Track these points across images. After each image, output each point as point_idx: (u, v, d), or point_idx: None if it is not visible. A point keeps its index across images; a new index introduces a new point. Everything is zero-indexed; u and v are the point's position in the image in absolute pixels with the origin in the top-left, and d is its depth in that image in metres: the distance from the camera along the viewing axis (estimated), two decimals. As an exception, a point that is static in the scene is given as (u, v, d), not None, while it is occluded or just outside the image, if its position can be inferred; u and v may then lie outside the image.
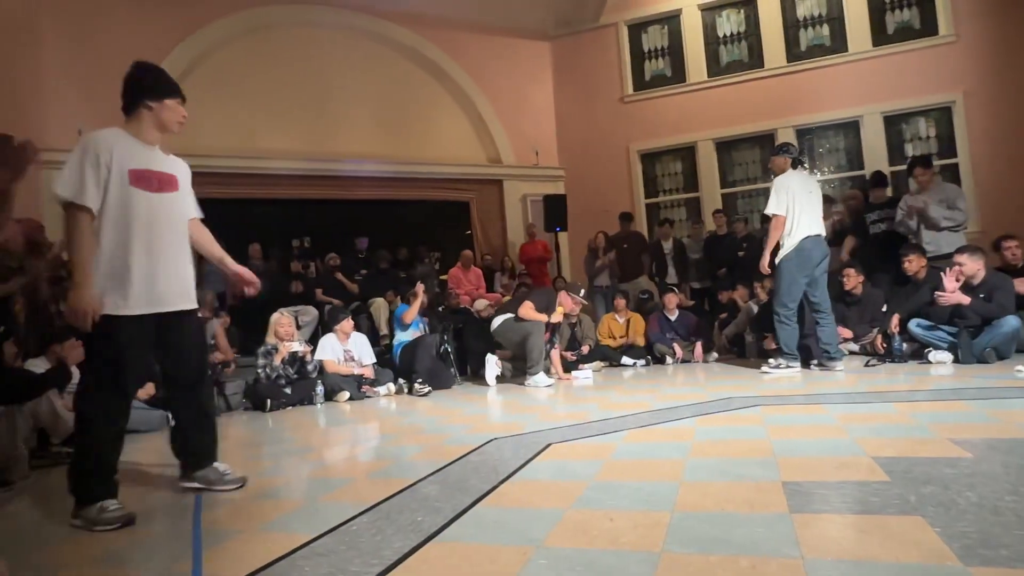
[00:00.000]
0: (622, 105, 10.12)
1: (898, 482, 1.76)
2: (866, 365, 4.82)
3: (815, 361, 4.94)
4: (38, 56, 7.23)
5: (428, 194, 9.91)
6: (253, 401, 5.39)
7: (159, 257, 2.29)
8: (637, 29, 10.19)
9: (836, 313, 5.91)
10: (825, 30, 9.32)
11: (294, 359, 5.44)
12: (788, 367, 4.75)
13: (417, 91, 9.74)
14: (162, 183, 2.37)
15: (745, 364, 5.85)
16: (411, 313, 5.99)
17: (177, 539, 1.88)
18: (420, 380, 5.50)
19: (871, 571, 1.22)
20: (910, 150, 8.75)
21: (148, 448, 3.80)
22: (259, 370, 5.38)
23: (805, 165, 5.25)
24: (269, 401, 5.15)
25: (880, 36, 9.00)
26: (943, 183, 6.12)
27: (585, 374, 5.81)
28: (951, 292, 4.61)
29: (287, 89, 8.83)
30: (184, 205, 2.50)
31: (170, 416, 4.52)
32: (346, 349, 5.78)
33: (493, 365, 5.91)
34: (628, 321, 7.07)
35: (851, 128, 9.13)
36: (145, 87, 2.40)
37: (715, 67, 9.80)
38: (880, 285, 5.91)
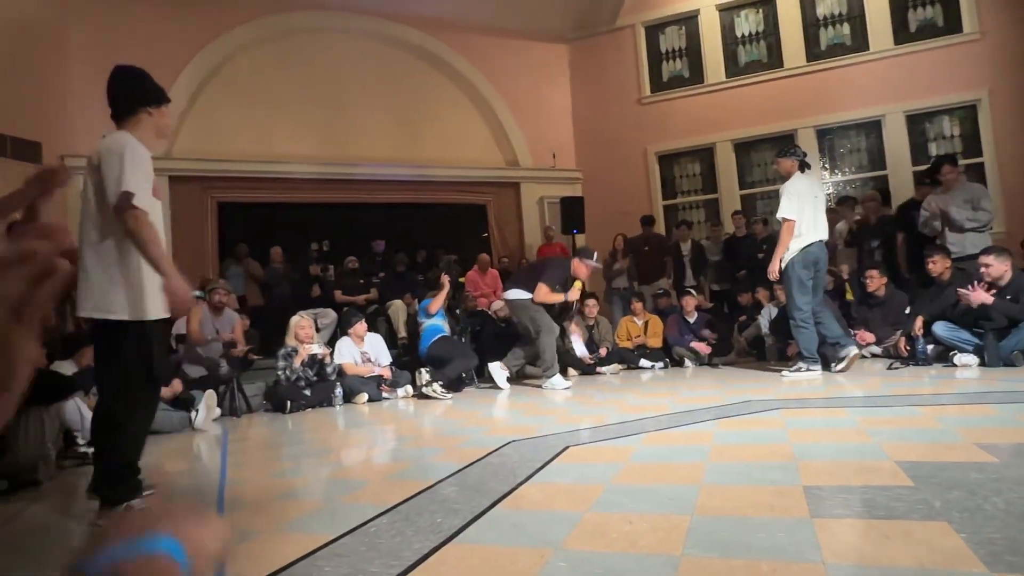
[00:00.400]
0: (639, 107, 10.09)
1: (922, 487, 1.73)
2: (889, 368, 4.75)
3: (835, 365, 4.89)
4: (64, 65, 7.39)
5: (445, 197, 9.95)
6: (273, 403, 5.45)
7: None
8: (654, 30, 10.15)
9: (859, 315, 5.87)
10: (846, 29, 9.20)
11: (313, 361, 5.49)
12: (808, 371, 4.70)
13: (434, 94, 9.79)
14: (156, 190, 2.39)
15: (765, 367, 5.79)
16: (437, 302, 5.96)
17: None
18: (442, 384, 5.43)
19: (895, 577, 1.21)
20: (934, 149, 8.60)
21: (169, 449, 3.86)
22: (279, 372, 5.44)
23: (811, 167, 5.21)
24: (289, 403, 5.20)
25: (902, 34, 8.87)
26: (968, 182, 6.02)
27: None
28: (975, 291, 4.53)
29: (306, 94, 8.93)
30: None
31: (192, 417, 4.64)
32: (362, 351, 5.83)
33: (499, 371, 5.69)
34: (646, 323, 7.04)
35: (873, 128, 9.00)
36: (144, 93, 2.40)
37: (733, 67, 9.72)
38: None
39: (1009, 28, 8.23)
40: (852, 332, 5.75)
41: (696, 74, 9.89)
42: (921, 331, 4.83)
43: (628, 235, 8.33)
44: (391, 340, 6.93)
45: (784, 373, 4.81)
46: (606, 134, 10.16)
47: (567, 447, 2.72)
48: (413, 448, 3.22)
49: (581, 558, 1.44)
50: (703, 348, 6.60)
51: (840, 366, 4.76)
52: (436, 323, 5.91)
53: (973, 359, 4.48)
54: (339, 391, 5.43)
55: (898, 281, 5.92)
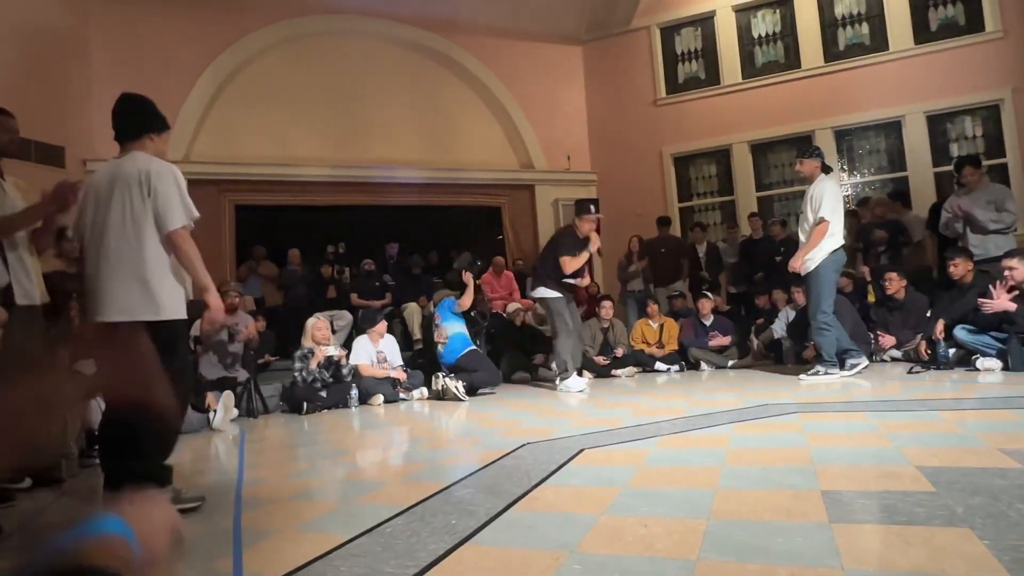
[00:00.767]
0: (655, 108, 10.04)
1: (944, 492, 1.70)
2: (909, 372, 4.68)
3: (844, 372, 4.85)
4: (87, 69, 7.52)
5: (460, 199, 9.97)
6: (290, 404, 5.50)
7: None
8: (670, 31, 10.10)
9: (878, 318, 5.80)
10: (864, 28, 9.09)
11: (329, 363, 5.53)
12: (827, 374, 4.65)
13: (449, 97, 9.82)
14: None
15: (782, 370, 5.74)
16: (467, 299, 5.95)
17: (218, 537, 1.92)
18: (466, 385, 5.42)
19: (916, 583, 1.19)
20: (955, 150, 8.47)
21: (189, 448, 3.90)
22: (295, 373, 5.49)
23: (832, 169, 5.20)
24: (305, 404, 5.25)
25: (923, 33, 8.74)
26: (991, 183, 5.92)
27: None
28: (997, 299, 4.46)
29: (322, 97, 9.00)
30: None
31: (210, 418, 4.70)
32: (378, 351, 5.86)
33: (578, 380, 5.47)
34: (661, 326, 7.00)
35: (893, 128, 8.88)
36: (151, 120, 2.63)
37: (750, 68, 9.64)
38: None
39: (1033, 27, 8.09)
40: (872, 335, 5.68)
41: (712, 75, 9.82)
42: (942, 334, 4.76)
43: (643, 237, 8.30)
44: (406, 342, 6.97)
45: (802, 377, 4.76)
46: (621, 136, 10.12)
47: (582, 450, 2.71)
48: (428, 450, 3.22)
49: (596, 561, 1.43)
50: (721, 341, 6.56)
51: (849, 374, 4.73)
52: (461, 331, 5.91)
53: (996, 363, 4.40)
54: (355, 392, 5.47)
55: (919, 284, 5.84)
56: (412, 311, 7.32)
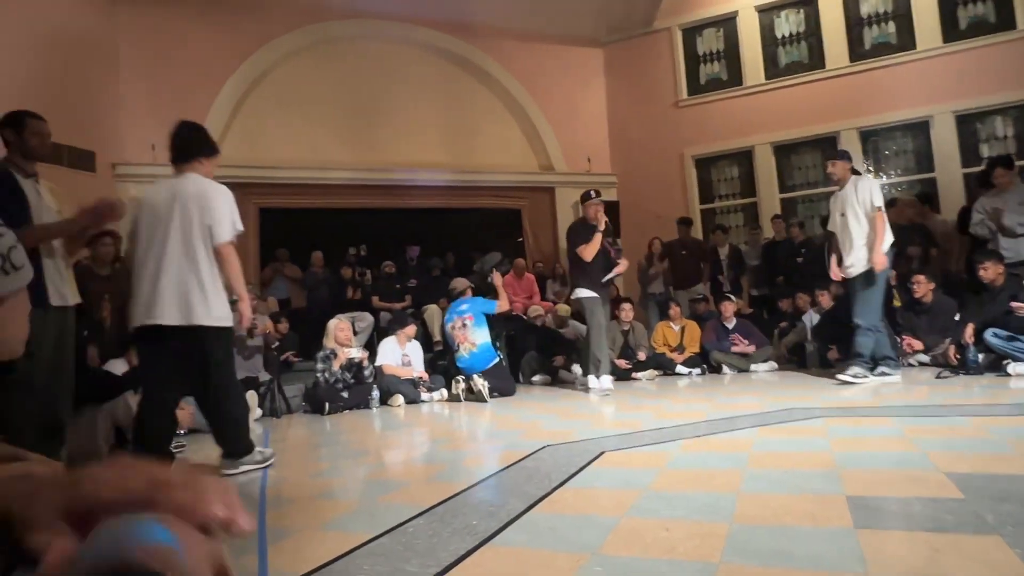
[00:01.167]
0: (676, 110, 9.98)
1: (973, 499, 1.67)
2: (937, 377, 4.59)
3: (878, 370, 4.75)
4: (116, 75, 7.70)
5: (480, 202, 10.01)
6: (312, 404, 5.57)
7: None
8: (692, 33, 10.03)
9: (905, 322, 5.69)
10: (891, 27, 8.94)
11: (351, 365, 5.59)
12: (865, 377, 4.57)
13: (470, 100, 9.86)
14: None
15: (806, 374, 5.66)
16: (504, 301, 5.98)
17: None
18: (490, 387, 5.46)
19: (944, 591, 1.17)
20: (986, 151, 8.29)
21: (211, 447, 3.96)
22: (318, 374, 5.55)
23: (859, 173, 5.13)
24: (327, 404, 5.30)
25: (952, 32, 8.57)
26: (1022, 184, 5.79)
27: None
28: None
29: (344, 100, 9.09)
30: None
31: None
32: (404, 353, 5.91)
33: (606, 382, 5.40)
34: (683, 329, 6.94)
35: (920, 129, 8.71)
36: (204, 145, 2.99)
37: (773, 69, 9.53)
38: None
39: (1067, 24, 7.89)
40: (900, 339, 5.58)
41: (734, 76, 9.73)
42: (972, 339, 4.65)
43: (664, 239, 8.24)
44: (426, 344, 7.00)
45: (841, 377, 4.65)
46: (642, 138, 10.07)
47: (603, 452, 2.70)
48: (449, 451, 3.24)
49: (618, 563, 1.43)
50: (745, 349, 6.49)
51: (877, 379, 4.62)
52: (487, 340, 5.90)
53: (1029, 368, 4.29)
54: (376, 394, 5.51)
55: (948, 287, 5.72)
56: (432, 313, 7.36)
